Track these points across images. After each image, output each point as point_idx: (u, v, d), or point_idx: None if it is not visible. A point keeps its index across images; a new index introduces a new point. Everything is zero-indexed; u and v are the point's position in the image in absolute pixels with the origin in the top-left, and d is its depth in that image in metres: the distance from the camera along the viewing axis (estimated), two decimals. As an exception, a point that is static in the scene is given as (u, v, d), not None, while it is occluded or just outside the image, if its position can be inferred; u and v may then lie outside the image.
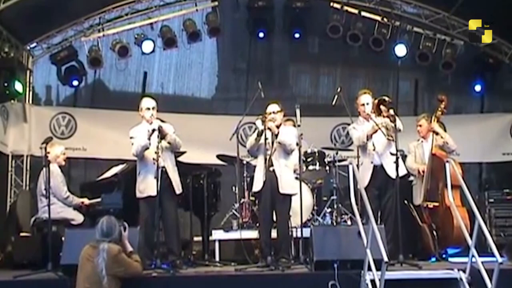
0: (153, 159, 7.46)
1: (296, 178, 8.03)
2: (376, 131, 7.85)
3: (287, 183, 7.75)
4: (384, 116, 7.74)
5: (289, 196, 7.81)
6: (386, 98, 7.84)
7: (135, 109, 12.55)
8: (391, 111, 7.64)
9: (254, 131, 7.95)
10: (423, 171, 8.49)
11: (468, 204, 6.92)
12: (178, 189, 7.84)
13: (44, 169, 8.26)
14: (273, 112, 7.83)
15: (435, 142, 8.49)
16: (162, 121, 7.81)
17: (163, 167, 7.63)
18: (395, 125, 7.57)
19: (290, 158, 7.88)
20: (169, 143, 7.74)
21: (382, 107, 7.74)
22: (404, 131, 7.77)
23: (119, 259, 6.08)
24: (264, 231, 7.83)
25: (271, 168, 7.67)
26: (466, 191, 6.86)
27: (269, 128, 7.65)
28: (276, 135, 7.71)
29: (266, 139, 7.58)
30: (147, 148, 7.59)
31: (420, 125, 8.81)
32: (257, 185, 7.82)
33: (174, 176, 7.83)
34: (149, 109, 7.80)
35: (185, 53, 12.92)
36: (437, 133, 8.49)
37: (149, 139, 7.55)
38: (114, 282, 6.01)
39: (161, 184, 7.48)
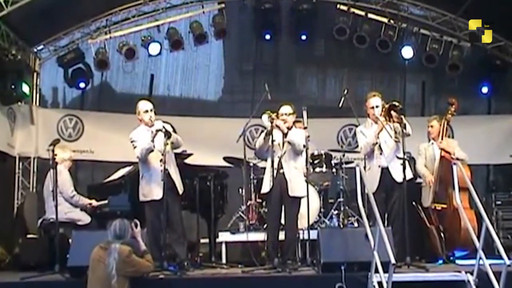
0: (160, 160, 7.43)
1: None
2: (382, 129, 7.84)
3: (297, 186, 7.73)
4: (394, 122, 7.73)
5: (299, 198, 7.79)
6: (397, 103, 7.81)
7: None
8: (402, 117, 7.64)
9: (261, 132, 7.92)
10: (430, 181, 8.49)
11: (475, 206, 6.90)
12: (179, 189, 7.86)
13: (51, 170, 8.30)
14: (285, 114, 7.83)
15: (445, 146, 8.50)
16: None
17: (166, 169, 7.57)
18: (405, 131, 7.56)
19: (299, 160, 7.84)
20: (172, 142, 7.70)
21: (392, 112, 7.72)
22: (412, 133, 7.75)
23: (130, 260, 6.12)
24: (272, 233, 7.81)
25: (281, 171, 7.68)
26: (474, 193, 6.85)
27: (277, 126, 7.65)
28: (285, 134, 7.70)
29: (273, 140, 7.57)
30: (152, 151, 7.57)
31: (432, 126, 8.76)
32: (266, 187, 7.82)
33: (177, 177, 7.86)
34: (147, 111, 7.77)
35: (191, 55, 12.94)
36: (447, 151, 8.50)
37: (153, 140, 7.51)
38: (123, 282, 6.03)
39: (165, 187, 7.49)
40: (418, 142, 8.89)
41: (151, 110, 7.78)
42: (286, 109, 7.90)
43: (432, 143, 8.76)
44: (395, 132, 7.79)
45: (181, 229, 7.86)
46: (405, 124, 7.60)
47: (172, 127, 8.08)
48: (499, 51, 11.83)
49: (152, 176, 7.65)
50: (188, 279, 7.15)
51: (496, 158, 12.30)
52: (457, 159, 8.45)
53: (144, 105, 7.82)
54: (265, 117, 7.67)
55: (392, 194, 7.86)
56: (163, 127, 7.57)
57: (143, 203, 7.74)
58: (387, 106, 7.83)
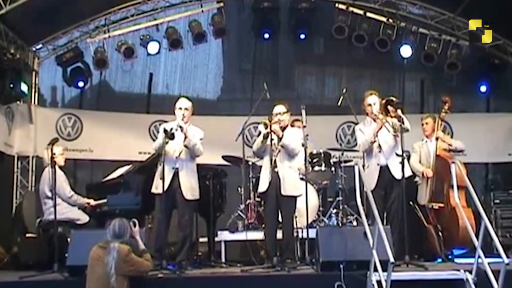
0: (161, 154, 7.60)
1: (302, 179, 8.00)
2: (381, 127, 7.85)
3: (290, 185, 7.73)
4: (391, 117, 7.73)
5: (294, 197, 7.79)
6: (394, 99, 7.81)
7: (141, 111, 12.65)
8: (399, 111, 7.64)
9: (258, 135, 7.96)
10: (427, 175, 8.49)
11: (473, 205, 6.91)
12: (190, 194, 7.81)
13: (45, 170, 8.30)
14: (279, 113, 7.83)
15: (440, 143, 8.50)
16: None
17: (176, 168, 7.70)
18: (403, 126, 7.55)
19: (295, 160, 7.85)
20: (186, 146, 7.77)
21: (389, 107, 7.72)
22: (410, 132, 7.75)
23: (129, 259, 6.13)
24: (270, 232, 7.82)
25: (275, 170, 7.68)
26: (472, 192, 6.84)
27: (273, 131, 7.65)
28: (280, 138, 7.71)
29: (271, 139, 7.60)
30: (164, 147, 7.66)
31: (426, 123, 8.80)
32: (263, 186, 7.83)
33: (186, 181, 7.81)
34: (180, 108, 7.89)
35: (190, 54, 12.94)
36: (443, 141, 8.52)
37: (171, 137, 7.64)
38: (122, 281, 6.04)
39: (171, 184, 7.63)
40: (417, 140, 8.91)
41: (185, 109, 7.90)
42: (279, 108, 7.91)
43: (426, 141, 8.78)
44: (394, 128, 7.79)
45: (188, 233, 7.89)
46: (402, 119, 7.59)
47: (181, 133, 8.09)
48: (498, 50, 11.82)
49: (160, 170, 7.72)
50: (187, 278, 7.15)
51: (495, 157, 12.31)
52: (456, 149, 8.50)
53: (179, 103, 7.98)
54: (261, 127, 7.72)
55: (391, 192, 7.86)
56: (178, 127, 7.71)
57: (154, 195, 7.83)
58: (384, 101, 7.83)
